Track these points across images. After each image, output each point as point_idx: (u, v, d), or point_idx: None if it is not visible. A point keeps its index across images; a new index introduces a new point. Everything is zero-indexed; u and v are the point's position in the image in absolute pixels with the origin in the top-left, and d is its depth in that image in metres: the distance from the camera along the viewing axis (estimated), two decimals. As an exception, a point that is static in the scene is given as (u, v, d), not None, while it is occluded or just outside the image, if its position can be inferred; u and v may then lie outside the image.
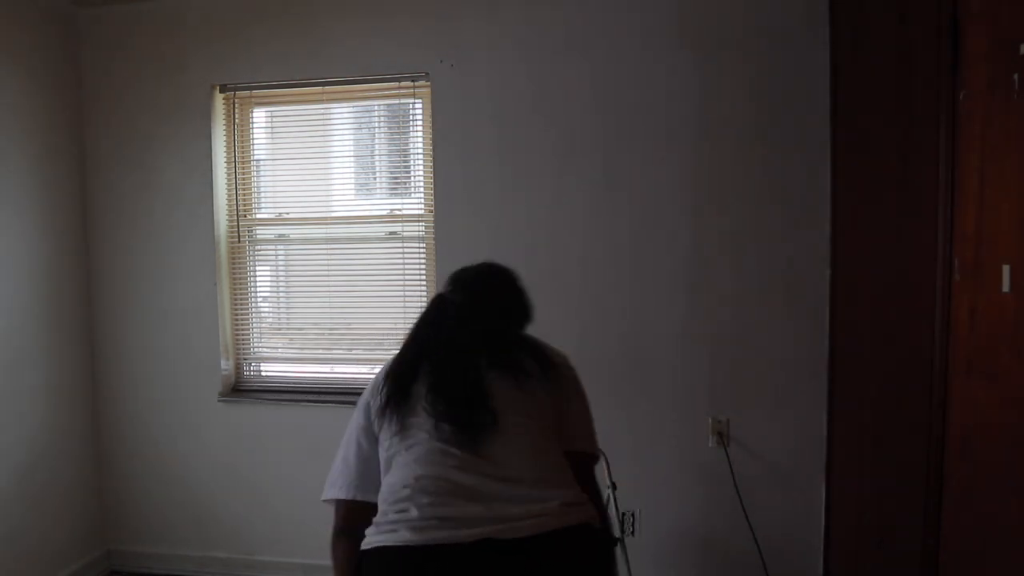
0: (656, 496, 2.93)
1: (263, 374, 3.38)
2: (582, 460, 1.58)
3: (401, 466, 1.46)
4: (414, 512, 1.36)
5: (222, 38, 3.17)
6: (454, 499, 1.37)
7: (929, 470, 1.98)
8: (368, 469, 1.56)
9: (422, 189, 3.15)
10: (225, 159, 3.26)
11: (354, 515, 1.54)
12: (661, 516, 2.94)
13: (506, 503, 1.36)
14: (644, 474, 2.91)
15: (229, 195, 3.29)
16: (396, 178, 3.32)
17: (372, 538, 1.40)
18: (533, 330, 1.75)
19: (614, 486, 2.48)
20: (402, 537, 1.34)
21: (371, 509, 1.48)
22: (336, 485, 1.59)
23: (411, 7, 3.01)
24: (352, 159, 3.35)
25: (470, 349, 1.56)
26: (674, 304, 2.89)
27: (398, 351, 1.66)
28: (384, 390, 1.57)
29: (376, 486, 1.51)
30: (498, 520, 1.33)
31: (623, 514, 2.62)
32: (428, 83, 3.03)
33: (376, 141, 3.39)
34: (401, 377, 1.57)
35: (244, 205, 3.31)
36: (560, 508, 1.37)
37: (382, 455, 1.53)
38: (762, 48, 2.78)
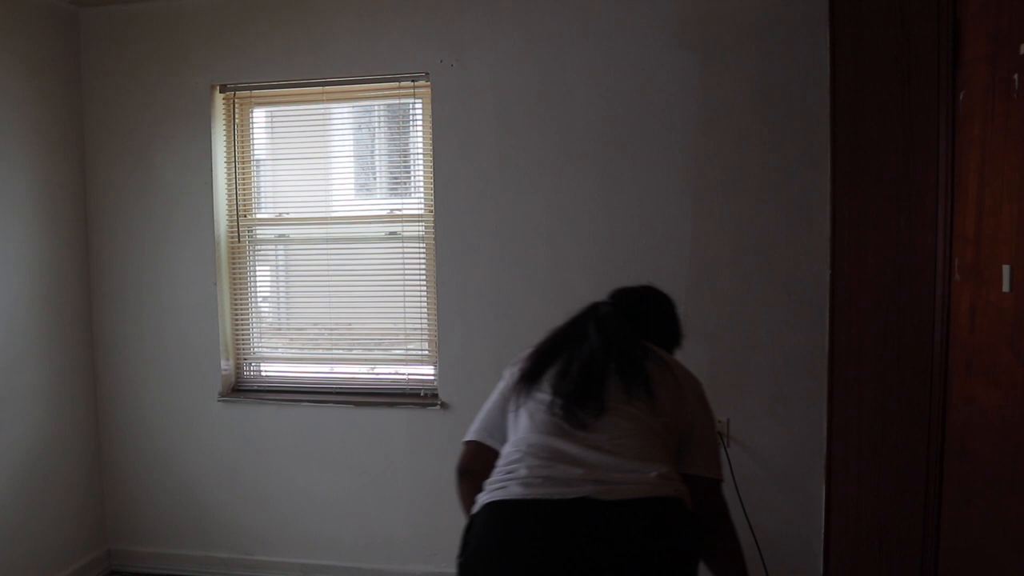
0: (656, 496, 2.92)
1: (263, 374, 3.38)
2: (701, 484, 1.62)
3: (519, 435, 1.62)
4: (523, 471, 1.51)
5: (222, 38, 3.17)
6: (560, 463, 1.51)
7: (929, 470, 1.98)
8: (499, 420, 1.71)
9: (422, 189, 3.15)
10: (225, 159, 3.26)
11: (473, 456, 1.73)
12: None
13: (607, 470, 1.49)
14: (644, 474, 2.90)
15: (229, 195, 3.29)
16: (396, 178, 3.32)
17: (484, 496, 1.54)
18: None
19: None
20: (512, 492, 1.49)
21: (491, 456, 1.65)
22: (471, 429, 1.77)
23: (411, 7, 3.01)
24: (352, 159, 3.35)
25: (604, 350, 1.68)
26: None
27: (545, 336, 1.78)
28: (522, 366, 1.73)
29: (502, 436, 1.69)
30: (598, 482, 1.46)
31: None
32: (428, 83, 3.04)
33: (376, 141, 3.39)
34: (540, 357, 1.72)
35: (244, 205, 3.31)
36: (657, 479, 1.48)
37: (509, 423, 1.68)
38: (762, 48, 2.78)
